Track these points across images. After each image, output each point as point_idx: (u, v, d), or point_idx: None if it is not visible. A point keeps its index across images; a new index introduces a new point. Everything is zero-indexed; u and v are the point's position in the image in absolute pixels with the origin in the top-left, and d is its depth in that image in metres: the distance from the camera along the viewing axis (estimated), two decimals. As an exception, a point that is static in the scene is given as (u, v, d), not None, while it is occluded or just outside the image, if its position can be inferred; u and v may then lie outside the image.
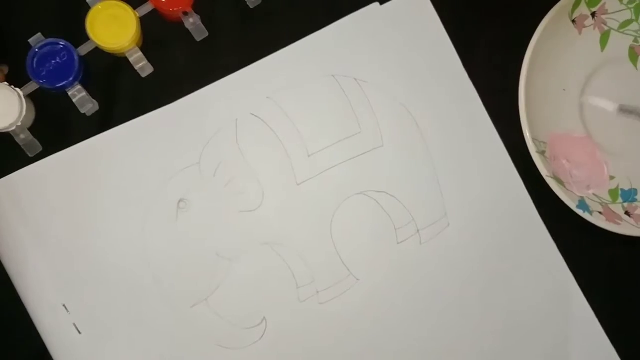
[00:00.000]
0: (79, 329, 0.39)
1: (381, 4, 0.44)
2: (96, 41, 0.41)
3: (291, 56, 0.43)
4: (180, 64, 0.43)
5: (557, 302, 0.43)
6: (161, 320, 0.40)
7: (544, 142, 0.45)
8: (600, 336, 0.43)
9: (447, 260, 0.42)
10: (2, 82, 0.39)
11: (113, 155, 0.40)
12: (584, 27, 0.46)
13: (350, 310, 0.41)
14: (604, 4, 0.45)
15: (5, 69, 0.40)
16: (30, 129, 0.41)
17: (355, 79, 0.43)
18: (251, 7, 0.43)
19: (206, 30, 0.43)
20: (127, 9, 0.41)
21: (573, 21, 0.45)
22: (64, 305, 0.39)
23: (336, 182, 0.42)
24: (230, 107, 0.42)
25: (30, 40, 0.41)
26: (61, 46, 0.40)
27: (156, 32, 0.43)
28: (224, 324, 0.40)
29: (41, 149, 0.41)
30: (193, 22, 0.42)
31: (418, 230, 0.42)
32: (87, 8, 0.41)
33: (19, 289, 0.39)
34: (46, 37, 0.41)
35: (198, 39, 0.43)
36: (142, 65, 0.42)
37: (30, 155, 0.41)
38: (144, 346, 0.40)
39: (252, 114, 0.42)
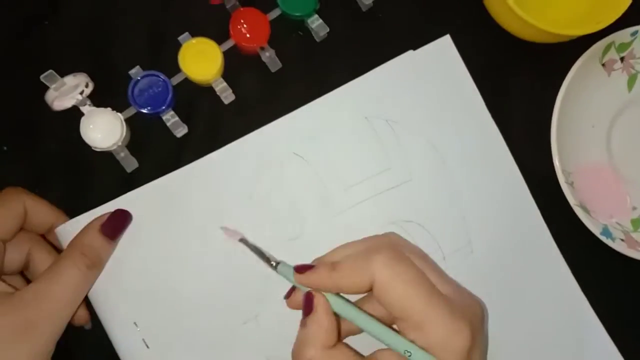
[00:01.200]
0: (147, 344, 0.43)
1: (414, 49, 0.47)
2: (187, 73, 0.45)
3: (331, 101, 0.46)
4: (255, 92, 0.47)
5: (575, 331, 0.46)
6: (217, 335, 0.43)
7: (572, 173, 0.48)
8: None
9: (471, 286, 0.44)
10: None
11: (182, 192, 0.44)
12: (613, 70, 0.49)
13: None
14: (632, 49, 0.49)
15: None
16: (127, 148, 0.45)
17: (386, 120, 0.46)
18: (317, 41, 0.48)
19: (280, 63, 0.47)
20: (213, 45, 0.45)
21: (603, 65, 0.49)
22: (134, 323, 0.43)
23: (369, 213, 0.45)
24: (275, 148, 0.45)
25: (130, 72, 0.45)
26: (157, 77, 0.45)
27: (235, 64, 0.47)
28: (271, 340, 0.43)
29: (137, 165, 0.45)
30: (269, 56, 0.46)
31: (444, 257, 0.46)
32: (179, 44, 0.45)
33: (96, 306, 0.43)
34: (144, 69, 0.45)
35: (273, 70, 0.47)
36: (226, 95, 0.46)
37: (128, 171, 0.45)
38: (202, 358, 0.43)
39: (295, 153, 0.45)
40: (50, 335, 0.37)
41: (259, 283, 0.44)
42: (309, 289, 0.38)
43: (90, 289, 0.42)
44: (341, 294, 0.38)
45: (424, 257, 0.41)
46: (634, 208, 0.49)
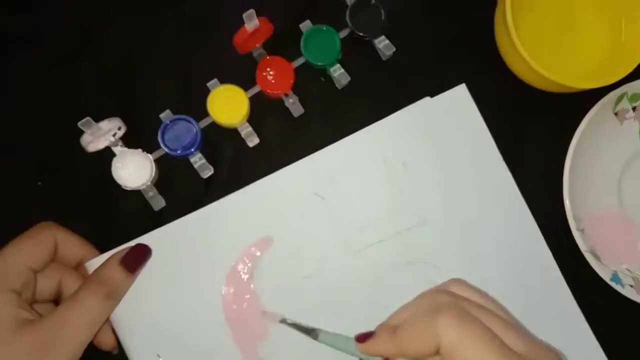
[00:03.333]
0: None
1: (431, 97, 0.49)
2: (215, 118, 0.47)
3: (351, 144, 0.47)
4: (278, 136, 0.49)
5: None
6: None
7: (583, 220, 0.48)
8: None
9: None
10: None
11: (205, 230, 0.46)
12: (625, 119, 0.51)
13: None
14: (644, 100, 0.49)
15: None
16: (155, 186, 0.47)
17: (402, 163, 0.47)
18: (339, 88, 0.50)
19: (302, 109, 0.48)
20: (240, 92, 0.47)
21: (615, 114, 0.50)
22: (157, 355, 0.44)
23: (385, 253, 0.46)
24: (297, 188, 0.46)
25: (161, 116, 0.47)
26: (187, 122, 0.47)
27: (260, 108, 0.48)
28: None
29: (165, 204, 0.47)
30: (292, 102, 0.48)
31: None
32: (207, 90, 0.47)
33: (120, 335, 0.44)
34: (174, 113, 0.47)
35: (296, 115, 0.48)
36: (252, 139, 0.48)
37: (155, 209, 0.47)
38: None
39: (315, 194, 0.47)
40: (67, 357, 0.39)
41: (277, 327, 0.45)
42: (374, 358, 0.37)
43: (108, 316, 0.43)
44: None
45: (491, 309, 0.37)
46: (644, 254, 0.50)
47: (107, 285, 0.42)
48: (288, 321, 0.44)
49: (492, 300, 0.39)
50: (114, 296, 0.42)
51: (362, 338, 0.37)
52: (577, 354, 0.46)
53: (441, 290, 0.39)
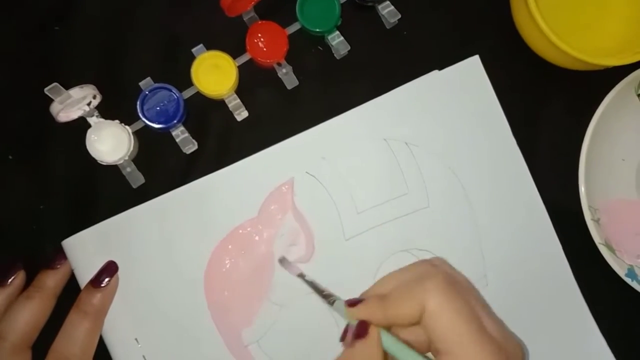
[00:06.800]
0: None
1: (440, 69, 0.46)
2: (199, 87, 0.44)
3: (348, 120, 0.45)
4: (269, 109, 0.46)
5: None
6: (218, 354, 0.43)
7: (599, 209, 0.46)
8: None
9: None
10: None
11: (187, 209, 0.43)
12: None
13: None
14: (669, 80, 0.46)
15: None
16: (134, 162, 0.44)
17: (406, 143, 0.45)
18: (337, 58, 0.47)
19: (297, 80, 0.46)
20: (228, 59, 0.44)
21: (638, 95, 0.47)
22: (135, 339, 0.42)
23: (382, 239, 0.44)
24: (287, 167, 0.44)
25: (140, 84, 0.44)
26: (168, 90, 0.44)
27: (250, 78, 0.46)
28: None
29: (143, 180, 0.44)
30: (286, 72, 0.45)
31: None
32: (192, 57, 0.44)
33: None
34: (155, 81, 0.44)
35: (289, 87, 0.46)
36: (239, 112, 0.45)
37: (133, 187, 0.44)
38: None
39: (308, 173, 0.44)
40: None
41: (263, 305, 0.43)
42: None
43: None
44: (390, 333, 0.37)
45: (473, 290, 0.40)
46: (664, 248, 0.47)
47: (89, 309, 0.41)
48: (306, 277, 0.42)
49: (471, 283, 0.41)
50: (100, 314, 0.42)
51: (352, 303, 0.38)
52: (581, 348, 0.45)
53: (426, 261, 0.41)
